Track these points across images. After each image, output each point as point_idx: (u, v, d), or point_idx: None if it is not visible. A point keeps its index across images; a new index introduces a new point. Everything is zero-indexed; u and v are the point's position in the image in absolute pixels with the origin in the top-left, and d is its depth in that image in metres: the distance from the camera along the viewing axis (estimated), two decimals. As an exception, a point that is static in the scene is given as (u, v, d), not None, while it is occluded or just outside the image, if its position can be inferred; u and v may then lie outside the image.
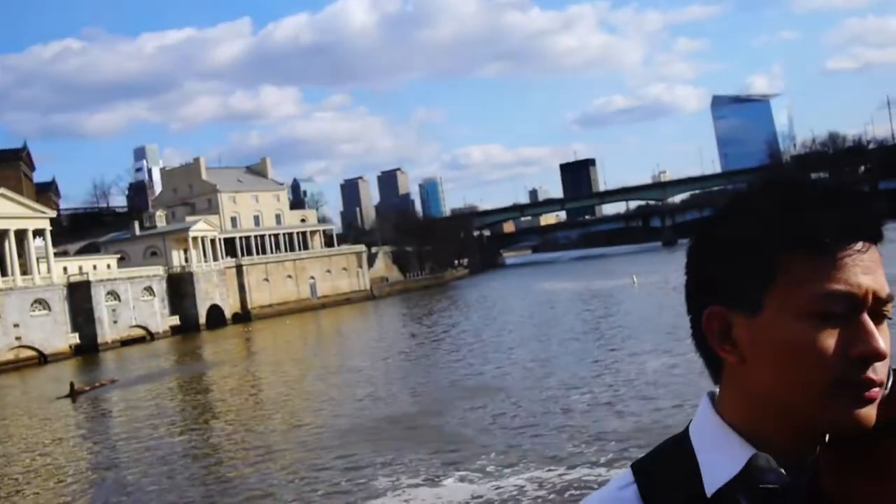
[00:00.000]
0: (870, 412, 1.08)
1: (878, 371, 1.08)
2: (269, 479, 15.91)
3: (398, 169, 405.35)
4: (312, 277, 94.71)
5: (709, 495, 1.11)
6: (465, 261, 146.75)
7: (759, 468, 1.11)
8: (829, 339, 1.07)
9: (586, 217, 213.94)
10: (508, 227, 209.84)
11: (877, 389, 1.08)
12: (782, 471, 1.11)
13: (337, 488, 14.52)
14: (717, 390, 1.20)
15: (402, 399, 23.69)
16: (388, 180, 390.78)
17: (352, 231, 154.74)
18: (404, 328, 52.64)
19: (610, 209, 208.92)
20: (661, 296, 46.99)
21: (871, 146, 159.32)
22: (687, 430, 1.22)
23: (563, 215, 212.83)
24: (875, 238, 1.12)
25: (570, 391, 21.12)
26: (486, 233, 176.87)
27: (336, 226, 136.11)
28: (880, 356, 1.07)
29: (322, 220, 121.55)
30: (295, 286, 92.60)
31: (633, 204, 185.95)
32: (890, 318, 1.12)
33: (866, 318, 1.08)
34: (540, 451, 14.98)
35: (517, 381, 23.61)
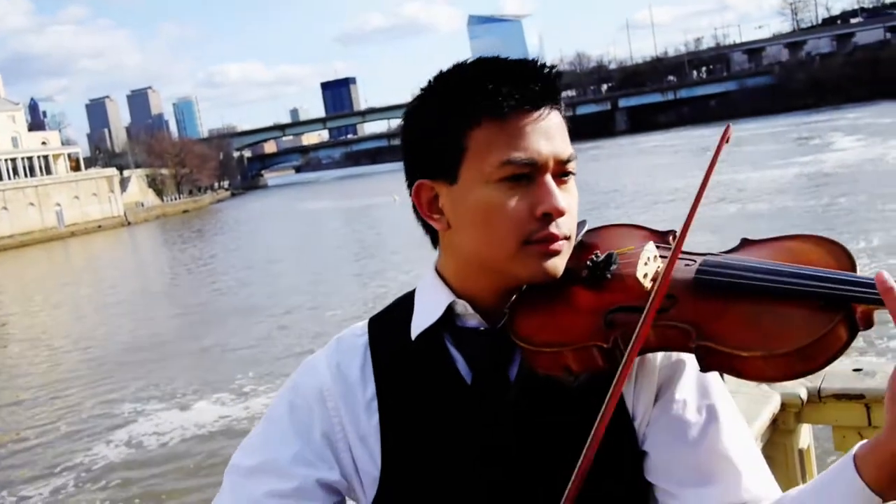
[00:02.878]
0: (557, 263, 1.20)
1: (562, 226, 1.19)
2: (5, 422, 14.95)
3: (149, 88, 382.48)
4: (58, 205, 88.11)
5: (413, 338, 1.26)
6: (226, 183, 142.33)
7: (457, 313, 1.26)
8: (515, 202, 1.17)
9: (349, 136, 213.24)
10: (270, 147, 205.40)
11: (561, 242, 1.19)
12: (479, 317, 1.24)
13: (81, 421, 13.85)
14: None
15: (160, 326, 22.86)
16: (138, 100, 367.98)
17: (101, 154, 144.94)
18: (164, 254, 50.54)
19: (373, 127, 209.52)
20: (421, 212, 48.15)
21: (613, 66, 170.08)
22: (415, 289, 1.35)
23: (325, 135, 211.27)
24: (554, 103, 1.21)
25: (325, 307, 21.19)
26: (247, 154, 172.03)
27: (83, 149, 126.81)
28: (560, 213, 1.18)
29: (66, 142, 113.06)
30: (39, 215, 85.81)
31: (395, 122, 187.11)
32: (574, 174, 1.23)
33: (548, 179, 1.18)
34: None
35: (280, 302, 23.44)
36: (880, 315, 1.04)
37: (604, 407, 1.03)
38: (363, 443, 1.26)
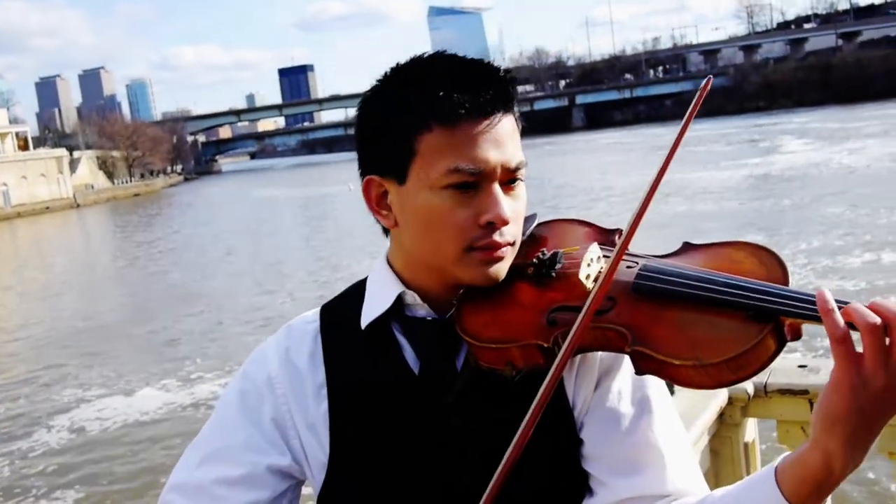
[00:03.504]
0: (499, 269, 1.22)
1: (506, 234, 1.21)
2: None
3: (102, 68, 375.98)
4: (5, 184, 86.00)
5: (363, 327, 1.28)
6: (179, 167, 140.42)
7: (406, 303, 1.28)
8: (461, 210, 1.18)
9: (305, 124, 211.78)
10: (225, 132, 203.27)
11: (505, 249, 1.22)
12: (428, 307, 1.27)
13: (22, 406, 13.54)
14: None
15: (107, 311, 22.43)
16: (90, 80, 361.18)
17: (50, 134, 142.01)
18: (114, 238, 49.63)
19: (330, 116, 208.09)
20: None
21: (571, 62, 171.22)
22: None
23: (281, 122, 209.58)
24: (506, 109, 1.21)
25: (276, 294, 21.02)
26: (201, 138, 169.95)
27: (31, 128, 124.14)
28: (504, 222, 1.19)
29: (14, 121, 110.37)
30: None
31: (353, 111, 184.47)
32: (522, 180, 1.24)
33: (495, 188, 1.19)
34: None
35: (231, 289, 23.18)
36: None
37: (534, 404, 1.05)
38: (311, 429, 1.27)
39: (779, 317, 1.04)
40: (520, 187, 1.24)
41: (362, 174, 1.28)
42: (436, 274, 1.25)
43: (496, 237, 1.19)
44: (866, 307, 0.97)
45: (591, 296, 1.10)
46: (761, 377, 3.29)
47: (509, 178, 1.22)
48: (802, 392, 3.15)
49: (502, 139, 1.20)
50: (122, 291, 26.19)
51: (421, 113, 1.19)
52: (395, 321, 1.28)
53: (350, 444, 1.26)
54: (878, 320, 0.95)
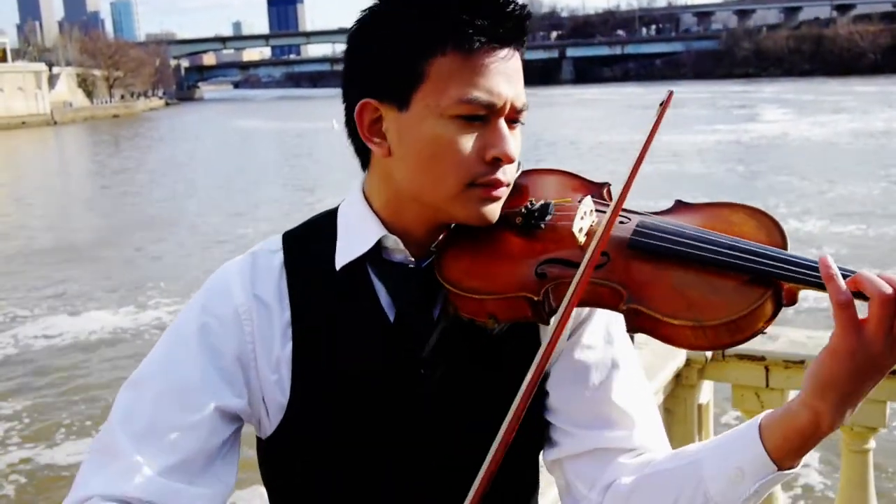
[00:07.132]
0: (495, 209, 1.17)
1: (507, 172, 1.16)
2: None
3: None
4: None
5: (338, 269, 1.20)
6: (161, 92, 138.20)
7: (387, 248, 1.20)
8: (468, 142, 1.12)
9: (292, 56, 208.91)
10: (209, 59, 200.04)
11: (504, 189, 1.17)
12: (408, 253, 1.19)
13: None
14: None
15: (77, 230, 22.14)
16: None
17: (30, 47, 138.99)
18: (90, 158, 48.79)
19: (317, 50, 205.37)
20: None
21: (564, 14, 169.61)
22: (338, 207, 1.28)
23: (267, 52, 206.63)
24: (519, 44, 1.16)
25: (252, 226, 20.64)
26: (185, 63, 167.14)
27: (11, 39, 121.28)
28: (510, 160, 1.14)
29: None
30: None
31: (340, 47, 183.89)
32: (523, 124, 1.19)
33: (502, 123, 1.14)
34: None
35: (202, 216, 22.93)
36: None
37: (533, 367, 0.99)
38: (274, 369, 1.20)
39: (779, 281, 1.02)
40: (518, 131, 1.19)
41: (351, 98, 1.19)
42: (423, 210, 1.18)
43: (499, 175, 1.14)
44: (878, 276, 0.96)
45: (591, 250, 1.04)
46: (721, 341, 3.27)
47: (513, 118, 1.17)
48: (760, 358, 3.14)
49: (513, 75, 1.15)
50: (93, 212, 25.86)
51: (436, 36, 1.11)
52: (370, 263, 1.21)
53: (313, 387, 1.19)
54: (890, 290, 0.94)
